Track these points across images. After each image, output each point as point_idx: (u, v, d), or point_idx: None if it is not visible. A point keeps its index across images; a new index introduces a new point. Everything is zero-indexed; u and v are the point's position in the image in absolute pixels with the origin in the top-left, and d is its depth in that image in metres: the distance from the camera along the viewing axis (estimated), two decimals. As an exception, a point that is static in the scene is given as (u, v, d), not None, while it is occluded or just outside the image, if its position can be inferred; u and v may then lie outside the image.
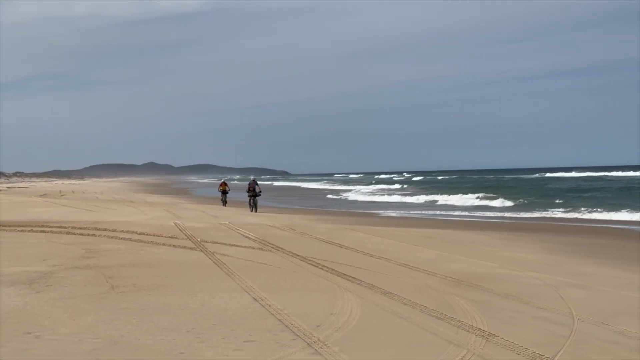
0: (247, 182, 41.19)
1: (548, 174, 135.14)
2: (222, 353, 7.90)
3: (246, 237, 21.15)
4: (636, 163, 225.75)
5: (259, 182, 41.24)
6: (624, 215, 36.69)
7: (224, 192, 45.90)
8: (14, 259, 14.60)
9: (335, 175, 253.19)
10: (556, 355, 8.10)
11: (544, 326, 9.67)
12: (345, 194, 76.86)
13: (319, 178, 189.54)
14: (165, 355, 7.76)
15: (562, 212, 41.24)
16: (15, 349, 7.81)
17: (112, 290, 11.48)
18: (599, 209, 41.07)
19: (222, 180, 49.03)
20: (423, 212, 44.87)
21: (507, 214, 41.89)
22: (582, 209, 41.87)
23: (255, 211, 38.43)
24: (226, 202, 45.42)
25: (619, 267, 16.44)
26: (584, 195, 57.59)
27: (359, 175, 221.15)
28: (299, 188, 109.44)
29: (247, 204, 40.29)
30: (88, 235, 19.97)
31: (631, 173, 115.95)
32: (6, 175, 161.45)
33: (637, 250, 20.97)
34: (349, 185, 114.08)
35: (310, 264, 15.36)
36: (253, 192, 39.51)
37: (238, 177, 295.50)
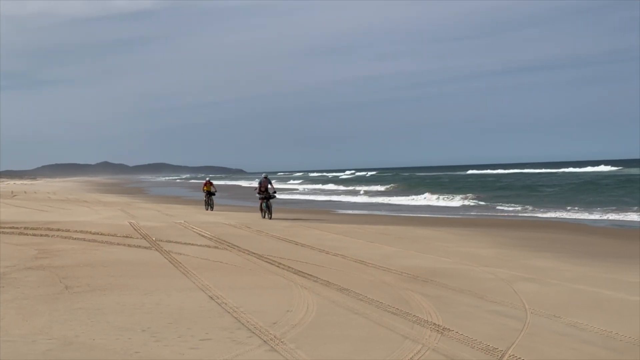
0: (259, 181, 32.35)
1: (500, 170, 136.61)
2: (178, 352, 7.88)
3: (202, 235, 21.08)
4: (591, 158, 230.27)
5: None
6: (574, 214, 37.26)
7: (210, 194, 37.51)
8: (-36, 261, 14.35)
9: (279, 173, 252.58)
10: (509, 348, 8.24)
11: (497, 320, 9.82)
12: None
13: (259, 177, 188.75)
14: (121, 355, 7.71)
15: (514, 207, 41.74)
16: (-33, 352, 7.69)
17: (66, 291, 11.36)
18: (550, 205, 41.76)
19: (207, 179, 39.17)
20: (364, 210, 45.06)
21: (458, 211, 42.32)
22: (535, 205, 42.49)
23: (270, 217, 30.84)
24: (212, 206, 37.49)
25: (570, 261, 16.72)
26: (541, 192, 58.44)
27: (301, 173, 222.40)
28: (238, 187, 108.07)
29: (259, 208, 31.95)
30: (41, 235, 19.72)
31: (589, 169, 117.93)
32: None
33: (588, 245, 21.36)
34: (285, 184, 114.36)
35: (266, 261, 15.37)
36: (266, 193, 31.38)
37: (187, 175, 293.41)
